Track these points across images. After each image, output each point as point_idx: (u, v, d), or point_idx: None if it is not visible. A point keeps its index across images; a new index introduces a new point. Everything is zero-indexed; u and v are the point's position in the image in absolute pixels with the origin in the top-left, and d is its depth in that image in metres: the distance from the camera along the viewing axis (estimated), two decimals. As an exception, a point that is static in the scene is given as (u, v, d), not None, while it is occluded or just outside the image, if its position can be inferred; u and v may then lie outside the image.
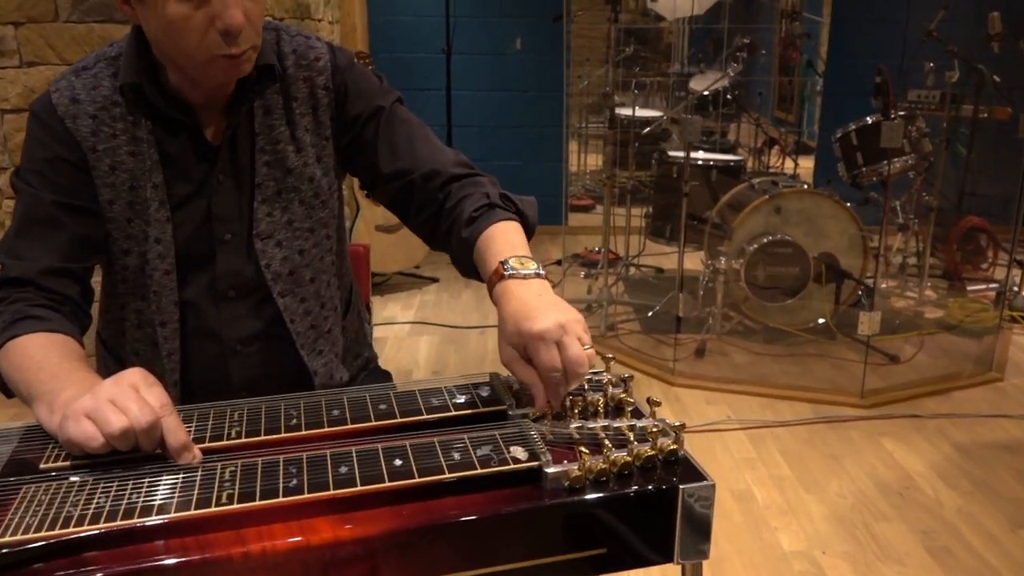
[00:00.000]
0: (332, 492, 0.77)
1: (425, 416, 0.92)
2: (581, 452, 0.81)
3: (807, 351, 3.31)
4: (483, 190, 1.11)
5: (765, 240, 3.33)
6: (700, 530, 0.84)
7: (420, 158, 1.15)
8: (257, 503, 0.75)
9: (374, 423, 0.91)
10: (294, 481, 0.78)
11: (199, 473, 0.80)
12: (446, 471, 0.80)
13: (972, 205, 4.00)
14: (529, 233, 1.10)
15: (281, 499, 0.76)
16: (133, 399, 0.80)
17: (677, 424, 0.87)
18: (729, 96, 4.75)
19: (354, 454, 0.83)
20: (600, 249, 4.23)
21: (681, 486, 0.82)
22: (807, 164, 5.22)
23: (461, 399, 0.96)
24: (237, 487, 0.77)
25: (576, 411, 0.92)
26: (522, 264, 0.97)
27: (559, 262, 4.40)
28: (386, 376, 1.40)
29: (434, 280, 4.37)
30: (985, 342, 3.35)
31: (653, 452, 0.85)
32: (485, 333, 3.62)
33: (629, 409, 0.93)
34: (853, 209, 3.37)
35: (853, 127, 3.57)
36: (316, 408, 0.94)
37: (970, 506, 2.26)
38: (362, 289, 1.71)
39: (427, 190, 1.15)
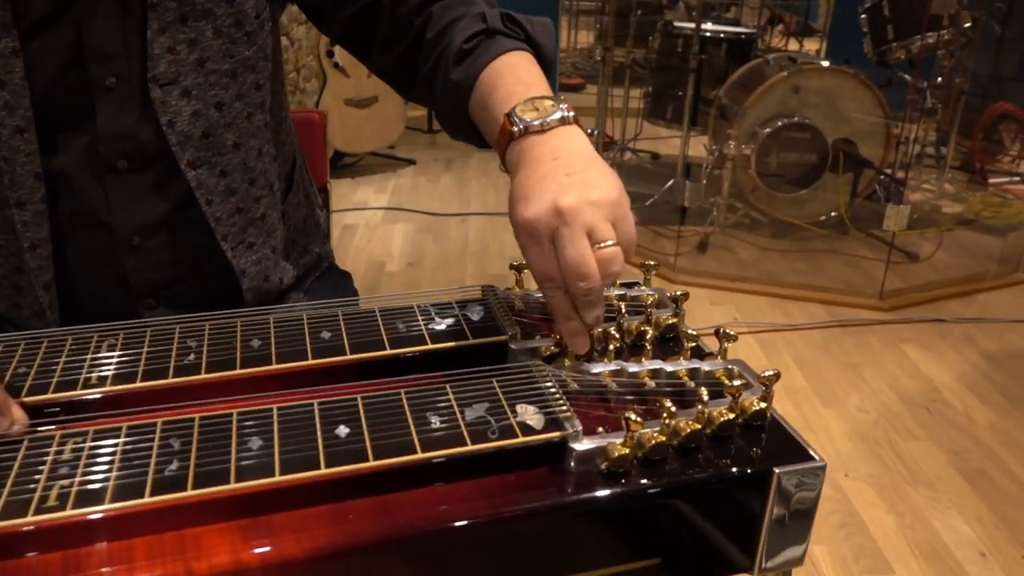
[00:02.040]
0: (233, 486, 0.48)
1: (388, 352, 0.63)
2: (628, 419, 0.52)
3: (817, 247, 3.04)
4: (476, 10, 0.79)
5: (780, 123, 2.99)
6: (797, 530, 0.56)
7: None
8: (106, 506, 0.46)
9: (311, 362, 0.61)
10: (173, 465, 0.49)
11: (20, 453, 0.50)
12: (418, 448, 0.51)
13: (1003, 91, 3.66)
14: (545, 68, 0.78)
15: (147, 499, 0.47)
16: None
17: (769, 373, 0.58)
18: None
19: (275, 417, 0.53)
20: (593, 131, 3.87)
21: (777, 469, 0.54)
22: (811, 47, 4.82)
23: (442, 325, 0.67)
24: (78, 478, 0.48)
25: (611, 346, 0.63)
26: (537, 109, 0.66)
27: (547, 145, 4.04)
28: (344, 281, 1.10)
29: (411, 162, 4.01)
30: (1010, 240, 3.10)
31: (732, 416, 0.56)
32: (466, 221, 3.32)
33: (689, 345, 0.64)
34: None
35: (885, -5, 3.18)
36: (226, 337, 0.64)
37: (1004, 423, 2.04)
38: (317, 167, 1.38)
39: (398, 16, 0.82)
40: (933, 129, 3.69)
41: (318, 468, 0.49)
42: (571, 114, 0.67)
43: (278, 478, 0.48)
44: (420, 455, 0.50)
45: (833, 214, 3.14)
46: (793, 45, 4.73)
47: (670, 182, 3.31)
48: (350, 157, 3.86)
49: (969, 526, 1.68)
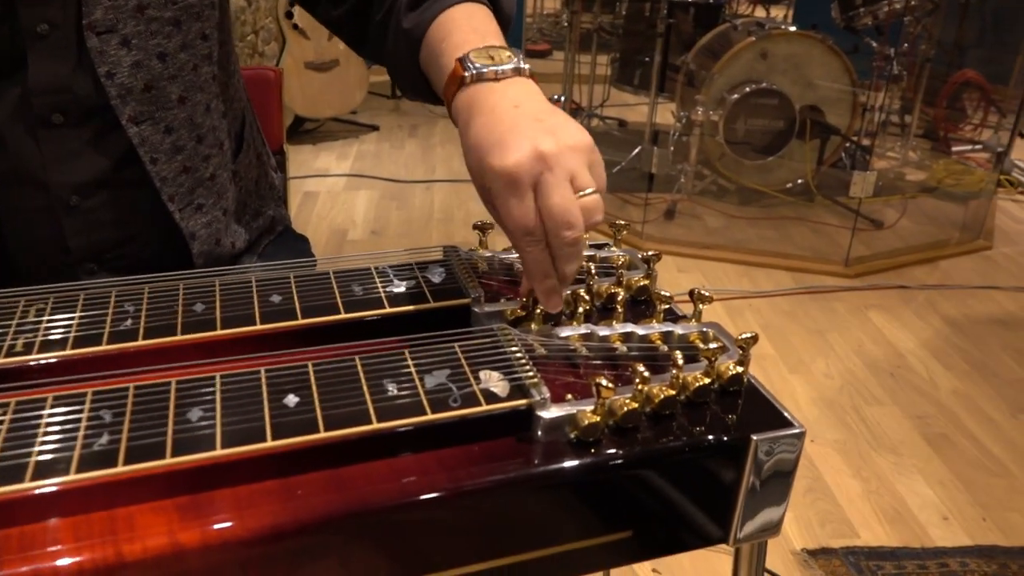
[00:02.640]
0: (169, 461, 0.44)
1: (343, 316, 0.59)
2: (600, 385, 0.49)
3: (784, 214, 3.03)
4: None
5: (748, 89, 2.96)
6: (774, 500, 0.54)
7: None
8: (28, 484, 0.42)
9: (259, 328, 0.57)
10: (104, 439, 0.45)
11: (-70, 426, 0.46)
12: (373, 418, 0.47)
13: (966, 58, 3.67)
14: (504, 27, 0.74)
15: (74, 476, 0.43)
16: None
17: (746, 336, 0.55)
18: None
19: (218, 386, 0.49)
20: (559, 98, 3.82)
21: (754, 436, 0.51)
22: (777, 14, 4.80)
23: (400, 288, 0.63)
24: (-4, 453, 0.44)
25: (580, 309, 0.60)
26: (492, 58, 0.63)
27: (514, 111, 3.98)
28: (301, 245, 1.05)
29: (374, 128, 3.93)
30: (971, 207, 3.12)
31: (707, 381, 0.53)
32: (431, 188, 3.26)
33: (662, 308, 0.61)
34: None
35: (854, -42, 3.15)
36: (167, 301, 0.59)
37: (967, 388, 2.06)
38: (272, 129, 1.32)
39: None
40: (898, 97, 3.69)
41: (264, 440, 0.45)
42: (526, 66, 0.64)
43: (219, 452, 0.44)
44: (376, 425, 0.47)
45: (799, 181, 3.13)
46: (760, 12, 4.71)
47: (637, 149, 3.28)
48: (311, 123, 3.77)
49: (932, 490, 1.70)
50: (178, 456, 0.44)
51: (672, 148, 3.16)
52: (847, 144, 3.14)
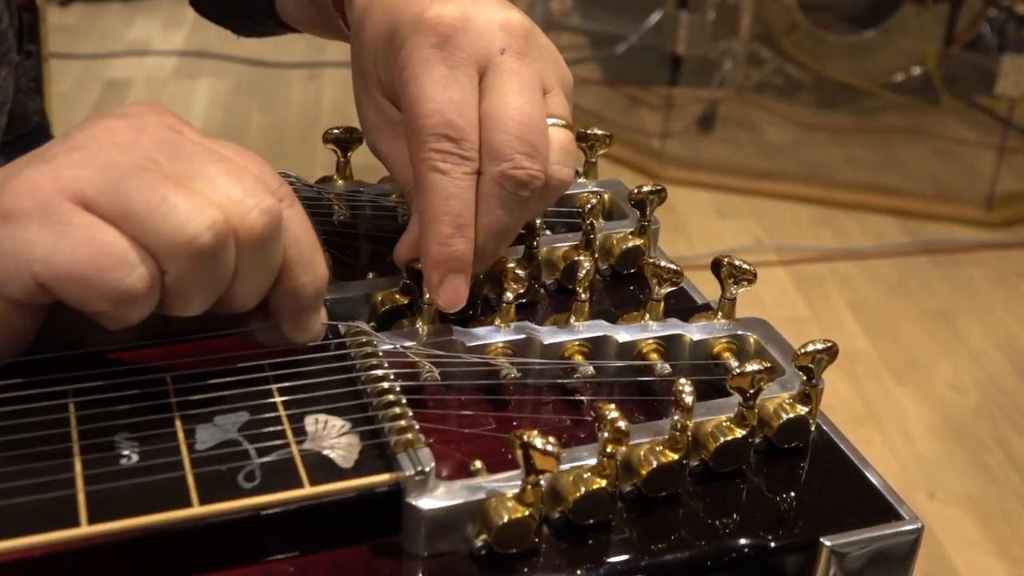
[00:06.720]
0: None
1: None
2: (530, 446, 0.41)
3: (891, 124, 3.06)
4: None
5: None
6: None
7: None
8: None
9: None
10: None
11: None
12: (83, 516, 0.39)
13: None
14: None
15: None
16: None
17: (816, 347, 0.48)
18: None
19: None
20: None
21: (827, 541, 0.45)
22: None
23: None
24: None
25: (510, 293, 0.52)
26: None
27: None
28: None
29: (225, -21, 3.85)
30: None
31: (741, 433, 0.46)
32: (318, 76, 3.29)
33: (663, 292, 0.53)
34: None
35: None
36: None
37: None
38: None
39: None
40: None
41: None
42: None
43: None
44: (86, 529, 0.39)
45: (916, 71, 3.15)
46: None
47: (656, 16, 3.26)
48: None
49: (1121, 574, 1.69)
50: None
51: (713, 15, 3.14)
52: (992, 12, 3.12)
